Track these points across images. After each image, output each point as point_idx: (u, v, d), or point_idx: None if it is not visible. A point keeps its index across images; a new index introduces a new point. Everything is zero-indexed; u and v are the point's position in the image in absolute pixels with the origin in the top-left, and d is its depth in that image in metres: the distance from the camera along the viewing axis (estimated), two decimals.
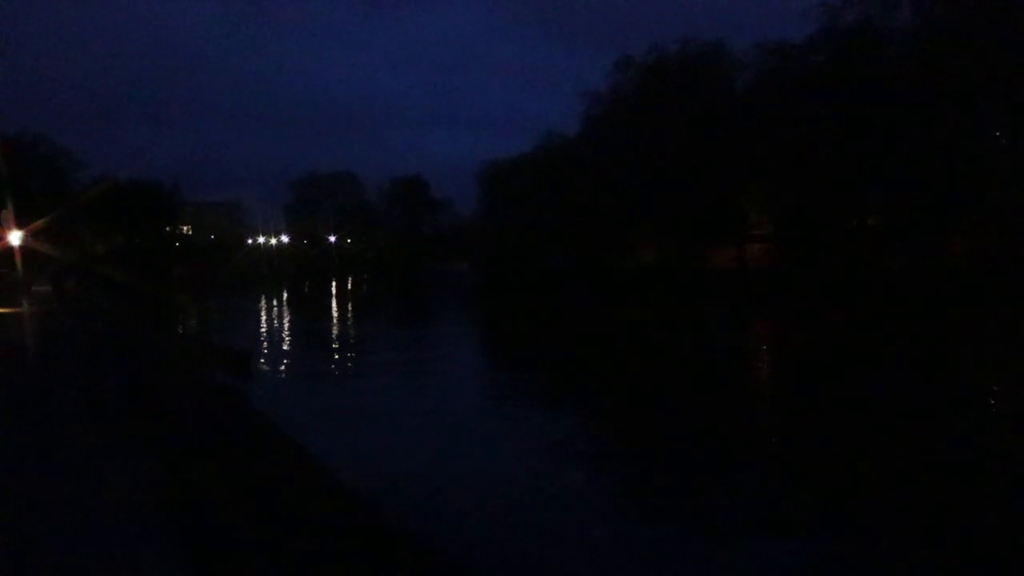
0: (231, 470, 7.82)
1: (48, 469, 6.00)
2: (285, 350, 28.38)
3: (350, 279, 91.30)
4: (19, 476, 5.86)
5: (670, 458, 12.69)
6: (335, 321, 41.74)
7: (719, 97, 48.88)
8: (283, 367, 23.63)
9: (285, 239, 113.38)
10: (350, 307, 53.95)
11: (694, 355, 25.33)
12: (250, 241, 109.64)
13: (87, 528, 4.83)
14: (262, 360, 23.84)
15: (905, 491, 10.32)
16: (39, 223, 39.37)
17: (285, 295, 65.73)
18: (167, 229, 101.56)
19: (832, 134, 38.50)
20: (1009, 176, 34.90)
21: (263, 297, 60.59)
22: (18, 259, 34.36)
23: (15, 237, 34.15)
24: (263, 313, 47.47)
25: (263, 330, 36.26)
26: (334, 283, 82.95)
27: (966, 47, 33.58)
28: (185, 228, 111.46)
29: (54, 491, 5.47)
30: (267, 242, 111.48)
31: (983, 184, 35.11)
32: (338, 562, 5.68)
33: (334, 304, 56.26)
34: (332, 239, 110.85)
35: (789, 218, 45.72)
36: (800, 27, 49.88)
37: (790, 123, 40.49)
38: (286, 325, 40.19)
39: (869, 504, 9.92)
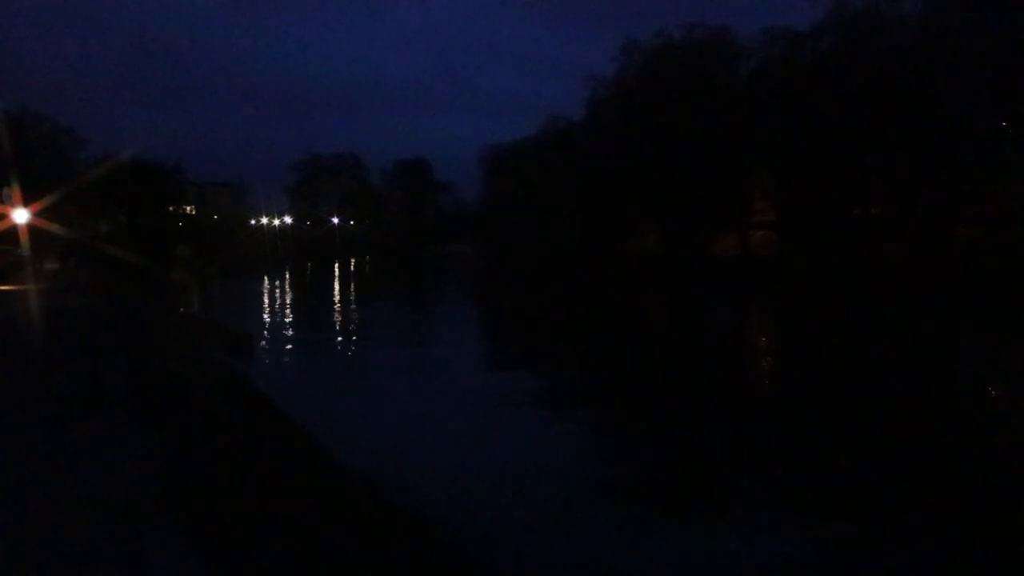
0: (230, 446, 7.98)
1: (48, 444, 6.15)
2: (286, 332, 28.53)
3: (353, 261, 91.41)
4: (20, 452, 6.01)
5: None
6: (337, 303, 41.88)
7: (724, 83, 48.64)
8: (283, 348, 23.78)
9: (288, 220, 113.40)
10: (352, 289, 54.10)
11: (688, 345, 25.41)
12: (253, 222, 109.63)
13: (87, 499, 4.98)
14: (263, 341, 24.03)
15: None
16: (43, 201, 39.33)
17: (287, 276, 65.89)
18: (170, 209, 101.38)
19: (837, 122, 38.35)
20: (1014, 166, 34.76)
21: (266, 278, 60.73)
22: (24, 237, 34.37)
23: (20, 215, 34.14)
24: (265, 294, 47.64)
25: (265, 311, 36.42)
26: (336, 264, 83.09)
27: (974, 35, 33.39)
28: (188, 208, 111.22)
29: (54, 465, 5.62)
30: (270, 223, 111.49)
31: (988, 174, 35.00)
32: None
33: (336, 286, 56.44)
34: (335, 221, 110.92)
35: (793, 206, 45.63)
36: (807, 14, 49.44)
37: (795, 110, 40.32)
38: (287, 306, 40.34)
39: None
